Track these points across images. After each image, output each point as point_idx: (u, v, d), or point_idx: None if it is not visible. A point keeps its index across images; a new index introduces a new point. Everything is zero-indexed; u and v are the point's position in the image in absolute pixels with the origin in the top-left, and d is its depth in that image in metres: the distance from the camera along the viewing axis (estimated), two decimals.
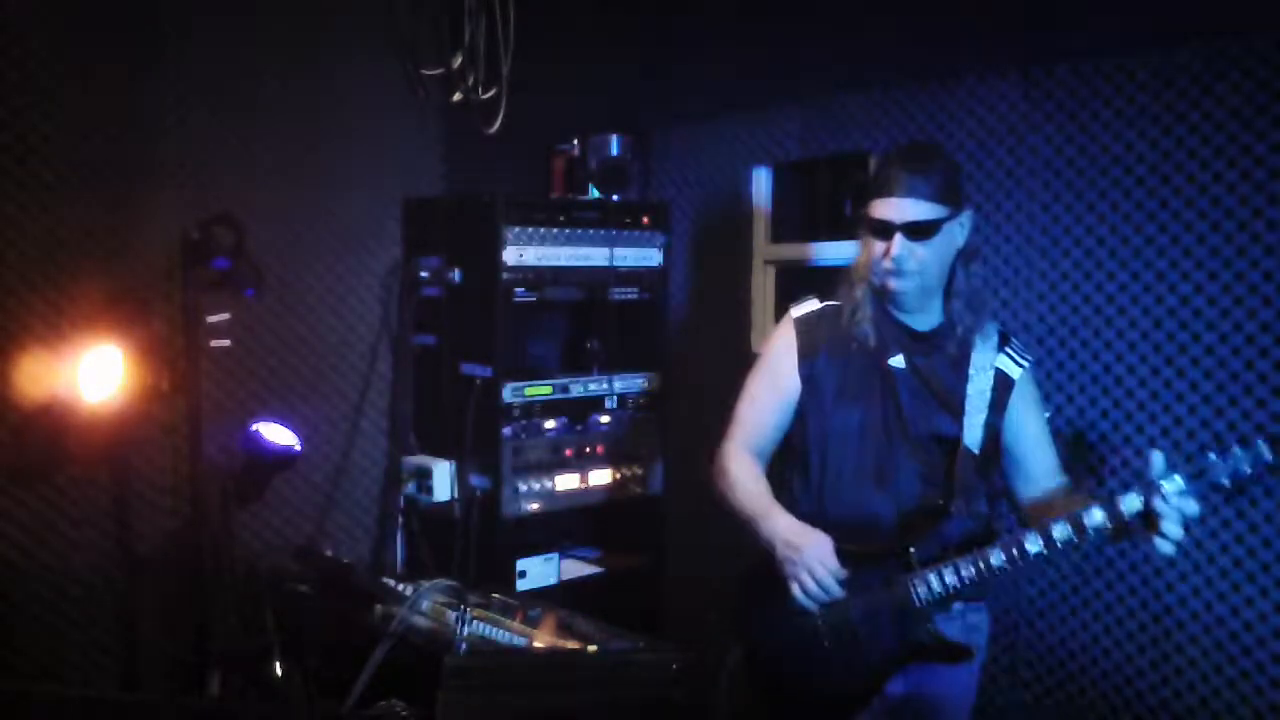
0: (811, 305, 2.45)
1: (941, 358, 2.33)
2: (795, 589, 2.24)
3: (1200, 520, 2.04)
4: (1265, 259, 2.51)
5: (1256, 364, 2.54)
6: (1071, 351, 2.85)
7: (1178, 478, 2.01)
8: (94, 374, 2.94)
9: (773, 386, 2.44)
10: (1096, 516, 2.08)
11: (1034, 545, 2.14)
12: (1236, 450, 2.00)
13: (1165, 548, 2.02)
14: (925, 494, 2.32)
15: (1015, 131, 2.93)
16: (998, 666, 2.91)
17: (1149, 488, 2.03)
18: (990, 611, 2.43)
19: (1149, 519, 2.03)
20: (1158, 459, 2.05)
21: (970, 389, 2.31)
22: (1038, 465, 2.34)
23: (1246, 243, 2.54)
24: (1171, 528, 2.00)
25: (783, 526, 2.28)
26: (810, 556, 2.22)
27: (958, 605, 2.29)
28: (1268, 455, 1.98)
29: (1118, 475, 2.77)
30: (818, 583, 2.21)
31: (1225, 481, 2.00)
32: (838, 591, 2.22)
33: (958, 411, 2.31)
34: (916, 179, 2.21)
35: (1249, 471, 1.99)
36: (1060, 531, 2.12)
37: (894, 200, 2.22)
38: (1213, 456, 2.01)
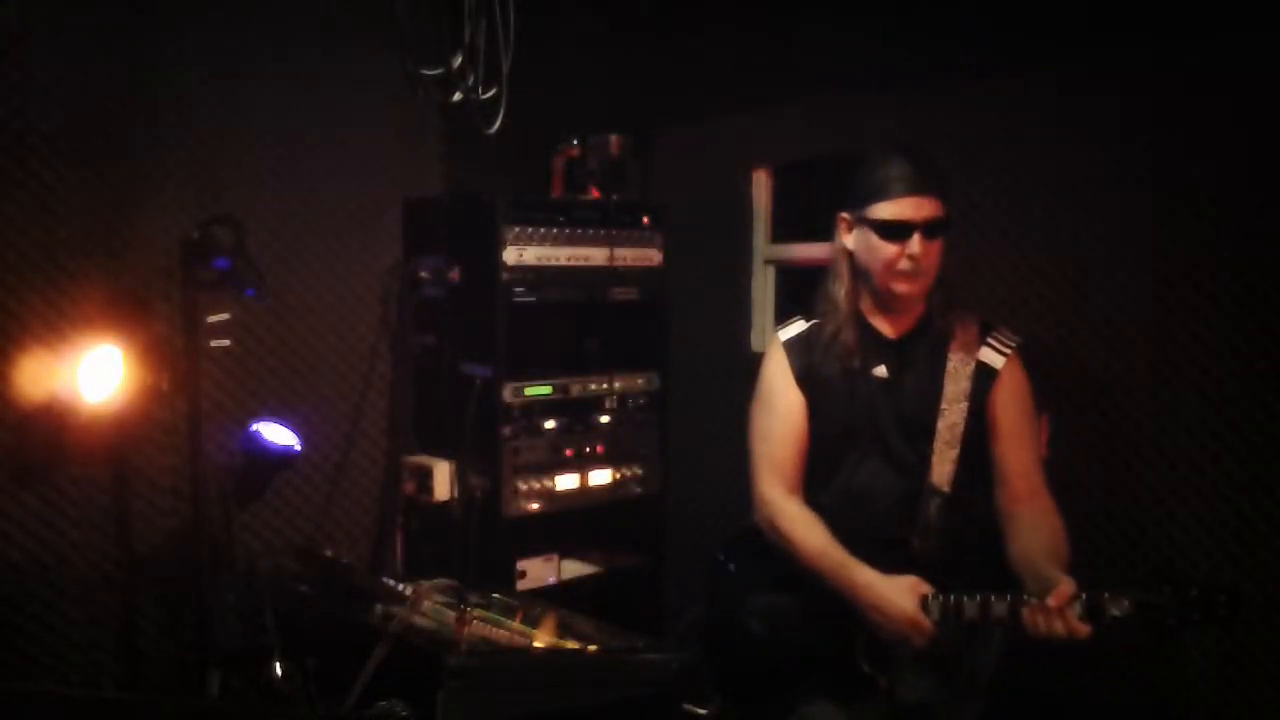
0: (796, 327, 2.44)
1: (922, 360, 2.33)
2: (889, 638, 2.20)
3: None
4: (1266, 259, 2.51)
5: (1256, 364, 2.54)
6: (1070, 351, 2.85)
7: (1125, 601, 1.95)
8: (94, 374, 2.94)
9: (784, 416, 2.40)
10: (1041, 623, 2.01)
11: (971, 610, 2.10)
12: (1194, 593, 1.93)
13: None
14: (901, 514, 2.30)
15: (1015, 132, 2.93)
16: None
17: (1094, 604, 1.97)
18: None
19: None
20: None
21: (948, 387, 2.27)
22: (1011, 463, 2.27)
23: (1247, 243, 2.54)
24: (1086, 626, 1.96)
25: (863, 586, 2.21)
26: (898, 624, 2.16)
27: None
28: (1222, 611, 1.93)
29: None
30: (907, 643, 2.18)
31: (1172, 622, 1.95)
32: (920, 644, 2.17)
33: (929, 430, 2.27)
34: (927, 175, 2.18)
35: (1195, 620, 1.94)
36: (997, 610, 2.07)
37: (910, 199, 2.17)
38: (1168, 591, 1.95)
